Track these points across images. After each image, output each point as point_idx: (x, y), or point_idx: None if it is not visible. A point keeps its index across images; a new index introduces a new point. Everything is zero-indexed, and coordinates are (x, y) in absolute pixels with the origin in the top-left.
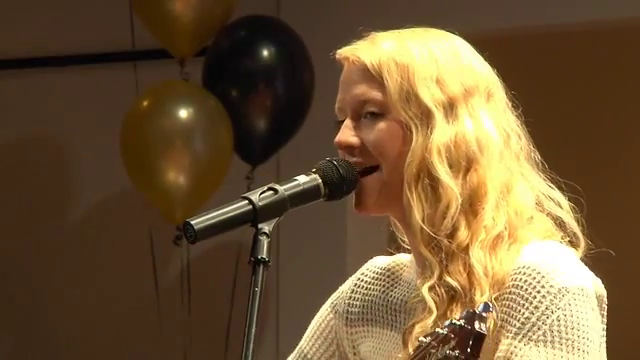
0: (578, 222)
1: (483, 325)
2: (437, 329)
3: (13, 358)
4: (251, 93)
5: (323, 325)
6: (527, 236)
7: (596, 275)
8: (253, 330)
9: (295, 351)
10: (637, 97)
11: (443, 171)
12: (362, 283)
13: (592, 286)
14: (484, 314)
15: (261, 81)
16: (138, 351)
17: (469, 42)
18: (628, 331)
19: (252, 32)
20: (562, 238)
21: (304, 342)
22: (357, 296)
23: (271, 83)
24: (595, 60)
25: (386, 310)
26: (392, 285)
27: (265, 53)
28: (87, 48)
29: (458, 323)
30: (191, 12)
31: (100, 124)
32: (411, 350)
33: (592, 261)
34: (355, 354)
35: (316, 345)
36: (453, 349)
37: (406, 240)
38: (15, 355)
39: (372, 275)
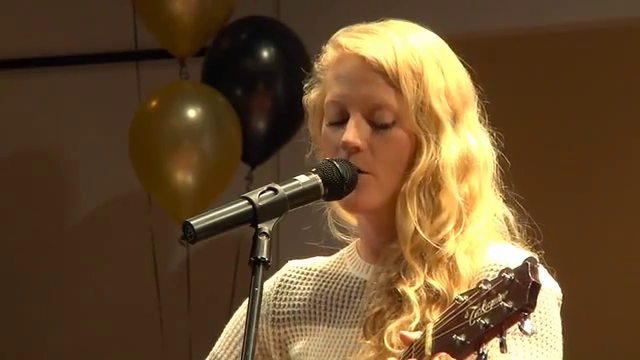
0: (529, 232)
1: (538, 276)
2: (480, 285)
3: (13, 358)
4: (250, 94)
5: (242, 330)
6: (492, 236)
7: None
8: (253, 330)
9: (207, 358)
10: (637, 97)
11: (453, 184)
12: (288, 284)
13: (555, 288)
14: (536, 266)
15: (260, 82)
16: (139, 351)
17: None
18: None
19: (252, 33)
20: (512, 243)
21: (218, 348)
22: (284, 297)
23: (270, 84)
24: (594, 60)
25: (324, 307)
26: (327, 282)
27: (265, 54)
28: (90, 48)
29: (508, 277)
30: (192, 12)
31: (102, 123)
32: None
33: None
34: (281, 355)
35: (235, 351)
36: (505, 300)
37: (347, 240)
38: (16, 355)
39: (297, 275)
